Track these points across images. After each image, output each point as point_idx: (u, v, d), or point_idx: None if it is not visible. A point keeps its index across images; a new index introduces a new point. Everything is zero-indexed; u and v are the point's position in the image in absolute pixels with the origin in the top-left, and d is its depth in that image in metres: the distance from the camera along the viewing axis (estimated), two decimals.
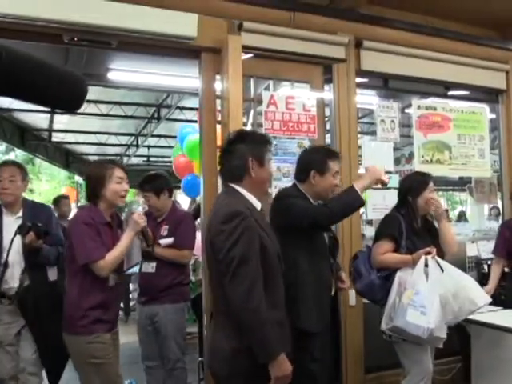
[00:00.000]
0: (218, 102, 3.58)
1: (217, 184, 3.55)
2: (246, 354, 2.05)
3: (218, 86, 3.57)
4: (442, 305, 2.85)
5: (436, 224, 3.28)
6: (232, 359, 2.11)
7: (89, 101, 8.34)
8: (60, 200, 6.14)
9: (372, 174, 2.73)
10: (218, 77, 3.57)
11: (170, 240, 3.51)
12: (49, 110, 8.87)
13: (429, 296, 2.84)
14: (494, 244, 4.02)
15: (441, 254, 3.12)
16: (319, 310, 2.66)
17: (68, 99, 1.23)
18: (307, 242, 2.69)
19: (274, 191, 3.67)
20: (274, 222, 2.68)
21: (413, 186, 3.23)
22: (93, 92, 7.62)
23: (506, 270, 4.00)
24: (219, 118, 3.58)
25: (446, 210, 15.46)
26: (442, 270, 2.94)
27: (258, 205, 2.28)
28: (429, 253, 2.96)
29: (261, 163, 2.26)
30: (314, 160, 2.83)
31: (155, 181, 3.68)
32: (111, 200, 2.77)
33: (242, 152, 2.24)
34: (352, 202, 2.66)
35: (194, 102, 5.58)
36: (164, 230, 3.59)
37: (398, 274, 2.97)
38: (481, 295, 3.00)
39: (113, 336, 2.77)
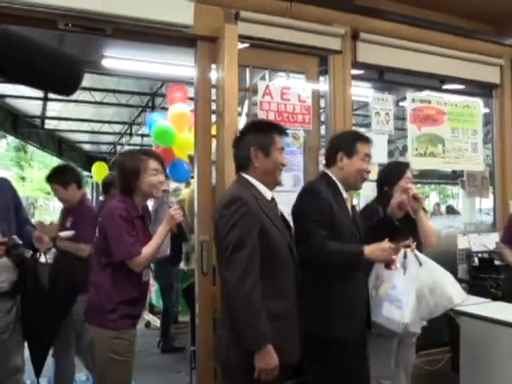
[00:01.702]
0: (214, 91, 3.57)
1: (211, 173, 3.56)
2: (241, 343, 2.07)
3: (214, 75, 3.56)
4: (417, 299, 2.82)
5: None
6: (228, 347, 2.13)
7: (83, 88, 8.28)
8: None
9: (379, 255, 2.54)
10: (213, 66, 3.56)
11: (69, 233, 3.35)
12: (43, 95, 8.82)
13: (405, 290, 2.80)
14: (503, 232, 4.05)
15: (420, 247, 3.12)
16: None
17: (64, 81, 1.22)
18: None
19: None
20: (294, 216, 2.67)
21: (388, 175, 3.21)
22: (87, 79, 7.55)
23: (498, 262, 4.04)
24: (214, 108, 3.57)
25: (438, 204, 15.55)
26: (420, 264, 2.92)
27: (267, 194, 2.29)
28: (408, 246, 2.90)
29: (266, 153, 2.27)
30: (341, 141, 2.77)
31: (63, 173, 3.67)
32: (147, 192, 2.73)
33: (246, 142, 2.29)
34: (350, 261, 2.55)
35: (189, 92, 5.56)
36: (68, 222, 3.58)
37: (376, 266, 2.88)
38: (458, 292, 3.00)
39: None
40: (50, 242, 2.85)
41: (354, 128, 4.34)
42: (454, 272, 4.46)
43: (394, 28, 4.22)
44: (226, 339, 2.15)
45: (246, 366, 2.07)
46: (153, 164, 2.72)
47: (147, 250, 2.62)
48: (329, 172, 2.75)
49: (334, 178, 2.71)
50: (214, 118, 3.60)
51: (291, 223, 2.52)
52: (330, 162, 2.75)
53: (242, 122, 3.78)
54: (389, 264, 2.68)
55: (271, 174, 2.31)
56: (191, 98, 6.55)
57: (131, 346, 2.65)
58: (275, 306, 2.12)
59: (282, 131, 2.39)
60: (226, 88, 3.37)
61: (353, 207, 2.81)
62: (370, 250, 2.46)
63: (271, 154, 2.28)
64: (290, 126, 3.74)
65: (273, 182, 2.35)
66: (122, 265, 2.58)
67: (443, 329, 4.29)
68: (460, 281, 3.79)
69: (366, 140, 2.75)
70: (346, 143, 2.72)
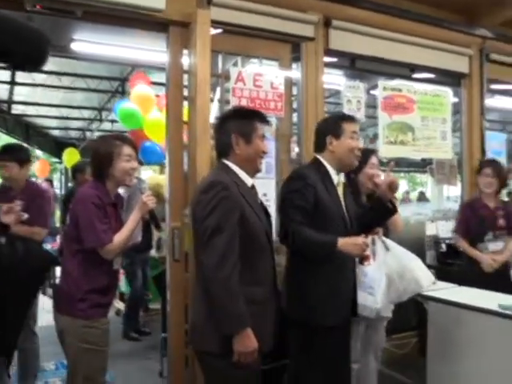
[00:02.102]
0: (186, 77, 3.53)
1: (183, 160, 3.53)
2: (217, 328, 2.07)
3: (186, 60, 3.52)
4: (388, 284, 2.87)
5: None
6: (205, 332, 2.12)
7: (51, 72, 8.12)
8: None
9: (351, 249, 2.49)
10: (185, 51, 3.51)
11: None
12: (10, 79, 8.60)
13: (376, 277, 2.85)
14: (456, 223, 4.13)
15: (387, 233, 3.16)
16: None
17: (29, 54, 1.18)
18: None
19: None
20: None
21: None
22: (55, 63, 7.39)
23: (461, 248, 4.13)
24: (186, 94, 3.54)
25: (407, 192, 15.83)
26: (388, 249, 2.97)
27: (248, 181, 2.28)
28: (375, 232, 2.95)
29: (247, 140, 2.25)
30: (327, 125, 2.77)
31: (20, 151, 3.58)
32: (119, 179, 2.68)
33: (227, 128, 2.28)
34: (321, 251, 2.51)
35: (160, 77, 5.48)
36: (18, 205, 3.43)
37: None
38: (426, 276, 3.07)
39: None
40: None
41: (325, 116, 4.35)
42: (422, 258, 4.52)
43: (367, 16, 4.24)
44: (202, 325, 2.14)
45: (223, 350, 2.07)
46: (127, 150, 2.68)
47: (119, 237, 2.59)
48: (320, 157, 2.75)
49: (325, 163, 2.70)
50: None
51: (271, 212, 2.54)
52: (320, 147, 2.75)
53: (213, 109, 3.76)
54: (363, 259, 2.70)
55: (252, 161, 2.30)
56: (155, 83, 6.55)
57: (104, 334, 2.62)
58: (253, 293, 2.12)
59: (263, 119, 2.37)
60: (199, 74, 3.34)
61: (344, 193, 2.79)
62: (342, 242, 2.45)
63: (252, 141, 2.27)
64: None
65: (253, 169, 2.34)
66: (93, 252, 2.54)
67: (411, 313, 4.39)
68: (428, 266, 3.85)
69: (350, 118, 2.77)
70: (332, 125, 2.72)
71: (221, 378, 2.17)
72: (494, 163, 4.11)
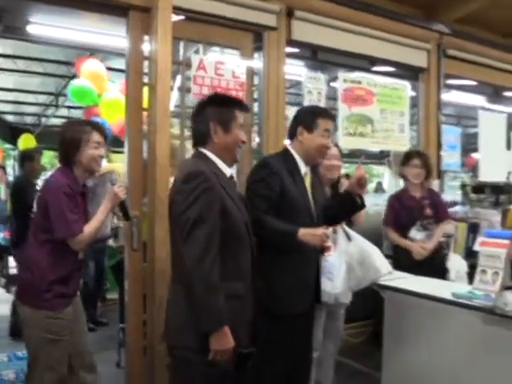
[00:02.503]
0: (146, 63, 3.47)
1: (142, 148, 3.48)
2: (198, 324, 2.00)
3: (146, 47, 3.46)
4: (347, 271, 2.93)
5: None
6: (182, 329, 2.05)
7: (5, 55, 7.85)
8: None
9: (310, 239, 2.50)
10: (146, 37, 3.45)
11: None
12: None
13: (336, 263, 2.91)
14: (384, 215, 4.20)
15: (349, 223, 3.21)
16: None
17: None
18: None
19: None
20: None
21: None
22: (10, 46, 7.16)
23: (392, 240, 4.23)
24: (146, 81, 3.48)
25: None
26: (350, 239, 3.03)
27: (227, 171, 2.22)
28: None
29: (226, 128, 2.18)
30: (303, 116, 2.74)
31: None
32: (86, 166, 2.61)
33: (206, 115, 2.19)
34: (283, 240, 2.52)
35: (119, 63, 5.37)
36: None
37: None
38: (384, 264, 3.14)
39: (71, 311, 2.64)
40: None
41: (287, 107, 4.37)
42: (379, 248, 4.65)
43: (330, 8, 4.26)
44: (182, 320, 2.07)
45: (202, 346, 2.00)
46: (95, 136, 2.62)
47: (89, 228, 2.54)
48: (289, 146, 2.74)
49: (294, 153, 2.70)
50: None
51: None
52: (291, 135, 2.74)
53: (174, 96, 3.72)
54: (323, 250, 2.72)
55: (230, 150, 2.23)
56: (115, 69, 6.44)
57: (68, 324, 2.57)
58: (234, 288, 2.07)
59: (243, 107, 2.30)
60: (159, 61, 3.29)
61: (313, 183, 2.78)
62: (303, 233, 2.45)
63: (231, 129, 2.19)
64: None
65: (231, 159, 2.27)
66: (62, 243, 2.49)
67: (368, 302, 4.47)
68: (385, 256, 3.94)
69: (327, 116, 2.74)
70: (307, 118, 2.71)
71: (196, 375, 2.10)
72: (421, 154, 4.17)
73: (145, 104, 3.48)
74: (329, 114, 2.78)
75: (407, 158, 4.12)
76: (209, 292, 1.95)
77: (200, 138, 2.22)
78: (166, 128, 3.36)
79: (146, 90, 3.47)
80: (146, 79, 3.48)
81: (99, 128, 2.70)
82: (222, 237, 2.04)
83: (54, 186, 2.55)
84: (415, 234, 3.98)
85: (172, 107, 3.62)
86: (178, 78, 3.76)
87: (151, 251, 3.36)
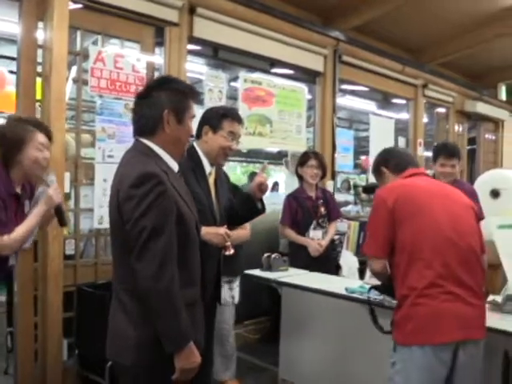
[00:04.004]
0: (40, 52, 3.29)
1: None
2: (154, 343, 1.77)
3: (41, 34, 3.28)
4: None
5: None
6: (137, 348, 1.81)
7: None
8: None
9: (211, 238, 2.51)
10: (40, 24, 3.27)
11: None
12: None
13: None
14: (282, 214, 4.31)
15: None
16: None
17: None
18: None
19: (98, 152, 3.54)
20: None
21: None
22: None
23: (289, 237, 4.38)
24: (40, 70, 3.30)
25: None
26: None
27: (174, 166, 1.97)
28: None
29: (180, 119, 1.92)
30: (209, 115, 2.72)
31: None
32: (28, 168, 2.40)
33: (159, 101, 1.89)
34: None
35: (10, 50, 5.01)
36: None
37: None
38: None
39: None
40: None
41: None
42: (276, 245, 4.77)
43: (233, 8, 4.30)
44: (133, 340, 1.81)
45: (157, 365, 1.82)
46: (40, 137, 2.44)
47: (18, 231, 2.34)
48: (195, 144, 2.72)
49: (199, 151, 2.69)
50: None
51: None
52: (198, 134, 2.72)
53: (68, 88, 3.56)
54: (224, 248, 2.73)
55: (181, 143, 1.99)
56: (4, 57, 6.02)
57: None
58: (187, 296, 1.86)
59: (198, 98, 2.15)
60: (54, 49, 3.16)
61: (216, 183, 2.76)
62: (204, 231, 2.42)
63: (185, 120, 1.95)
64: (122, 96, 3.63)
65: (179, 154, 2.01)
66: None
67: (265, 299, 4.57)
68: (281, 254, 4.04)
69: (234, 118, 2.72)
70: (213, 118, 2.70)
71: None
72: (317, 155, 4.33)
73: (38, 95, 3.29)
74: (236, 116, 2.76)
75: (304, 158, 4.25)
76: (170, 310, 1.75)
77: (148, 127, 1.91)
78: (60, 120, 3.23)
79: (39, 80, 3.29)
80: (39, 69, 3.29)
81: (45, 129, 2.53)
82: (178, 244, 1.84)
83: None
84: (313, 232, 4.12)
85: (67, 99, 3.47)
86: (74, 69, 3.60)
87: (43, 250, 3.20)
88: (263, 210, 2.81)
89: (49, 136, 2.53)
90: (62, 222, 2.57)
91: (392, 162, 2.47)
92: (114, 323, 1.89)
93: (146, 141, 1.92)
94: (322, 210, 4.17)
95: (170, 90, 1.93)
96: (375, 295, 2.66)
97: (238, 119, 2.75)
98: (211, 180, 2.73)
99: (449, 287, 2.05)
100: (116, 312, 1.89)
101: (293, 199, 4.26)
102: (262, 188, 2.70)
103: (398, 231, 2.14)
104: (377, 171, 2.52)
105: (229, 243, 2.66)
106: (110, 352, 1.90)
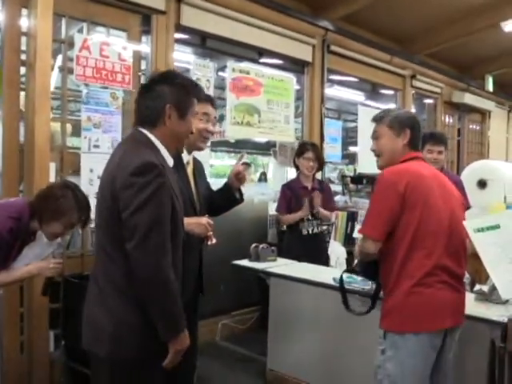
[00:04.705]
0: (24, 40, 3.23)
1: (19, 131, 3.25)
2: (135, 333, 1.80)
3: (24, 22, 3.21)
4: None
5: None
6: (116, 338, 1.80)
7: None
8: None
9: (194, 228, 2.47)
10: (24, 12, 3.20)
11: None
12: None
13: None
14: (277, 203, 4.33)
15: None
16: None
17: None
18: None
19: (84, 142, 3.50)
20: None
21: None
22: None
23: (284, 228, 4.39)
24: (24, 58, 3.24)
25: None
26: None
27: (170, 161, 1.97)
28: None
29: (181, 114, 1.93)
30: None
31: None
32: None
33: (161, 94, 1.90)
34: None
35: None
36: None
37: None
38: None
39: None
40: None
41: None
42: (264, 236, 4.78)
43: None
44: (113, 330, 1.80)
45: (137, 356, 1.83)
46: (75, 219, 2.50)
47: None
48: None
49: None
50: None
51: None
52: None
53: (54, 77, 3.51)
54: (206, 239, 2.71)
55: (179, 139, 2.01)
56: None
57: None
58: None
59: (202, 95, 2.10)
60: (39, 37, 3.11)
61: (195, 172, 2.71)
62: (186, 221, 2.35)
63: (187, 116, 1.95)
64: (108, 85, 3.58)
65: (175, 149, 2.04)
66: None
67: (253, 289, 4.57)
68: (270, 244, 4.04)
69: (206, 100, 2.60)
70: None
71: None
72: (314, 147, 4.32)
73: (22, 84, 3.24)
74: (208, 97, 2.66)
75: (301, 149, 4.25)
76: (171, 299, 1.79)
77: (149, 118, 1.92)
78: (45, 110, 3.18)
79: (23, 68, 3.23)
80: (23, 57, 3.24)
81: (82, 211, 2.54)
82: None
83: None
84: (307, 224, 4.11)
85: (52, 88, 3.42)
86: (59, 57, 3.55)
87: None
88: (241, 199, 2.81)
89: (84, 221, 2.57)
90: (44, 292, 2.56)
91: (416, 135, 2.35)
92: (92, 313, 1.89)
93: (146, 132, 1.92)
94: (318, 200, 4.17)
95: (173, 84, 1.93)
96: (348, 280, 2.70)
97: (209, 100, 2.66)
98: (189, 169, 2.67)
99: (443, 276, 2.11)
100: (95, 302, 1.89)
101: (287, 189, 4.27)
102: (239, 178, 2.70)
103: (403, 217, 2.13)
104: (399, 126, 2.33)
105: (211, 233, 2.65)
106: (86, 341, 1.91)
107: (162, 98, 1.90)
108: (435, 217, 2.15)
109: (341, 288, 2.51)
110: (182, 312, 1.83)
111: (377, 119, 2.47)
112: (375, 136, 2.43)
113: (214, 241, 2.70)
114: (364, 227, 2.24)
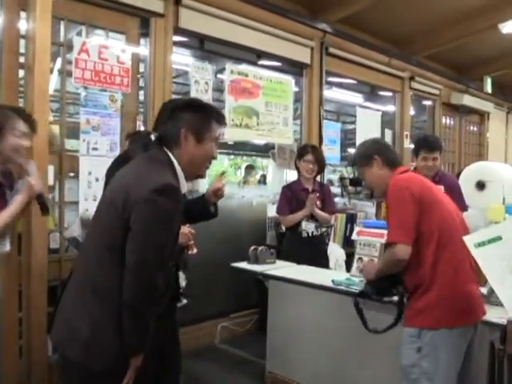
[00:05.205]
0: (23, 42, 3.23)
1: None
2: (112, 344, 1.77)
3: (23, 25, 3.22)
4: None
5: None
6: (92, 347, 1.77)
7: None
8: None
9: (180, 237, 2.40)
10: (23, 14, 3.20)
11: None
12: None
13: None
14: (278, 205, 4.32)
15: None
16: None
17: None
18: None
19: (82, 145, 3.50)
20: None
21: None
22: None
23: (283, 230, 4.39)
24: (23, 61, 3.24)
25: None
26: None
27: (184, 187, 1.96)
28: None
29: (198, 138, 1.92)
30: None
31: None
32: (6, 155, 2.38)
33: (179, 118, 1.92)
34: None
35: None
36: None
37: None
38: None
39: None
40: None
41: (173, 96, 4.30)
42: (263, 238, 4.77)
43: None
44: (89, 338, 1.77)
45: (110, 366, 1.80)
46: (21, 125, 2.42)
47: (1, 216, 2.32)
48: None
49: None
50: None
51: None
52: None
53: (53, 80, 3.51)
54: (187, 247, 2.70)
55: (196, 164, 1.98)
56: None
57: None
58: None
59: (222, 119, 2.07)
60: (38, 40, 3.10)
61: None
62: None
63: (205, 141, 1.94)
64: (107, 88, 3.59)
65: (193, 174, 2.03)
66: None
67: (252, 292, 4.57)
68: (268, 246, 4.04)
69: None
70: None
71: None
72: (315, 149, 4.32)
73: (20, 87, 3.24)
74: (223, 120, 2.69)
75: (302, 152, 4.25)
76: (150, 317, 1.81)
77: (168, 137, 1.93)
78: (44, 113, 3.17)
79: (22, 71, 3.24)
80: (22, 59, 3.24)
81: (26, 116, 2.50)
82: None
83: None
84: (306, 224, 4.11)
85: (51, 91, 3.42)
86: (58, 60, 3.55)
87: (27, 244, 3.16)
88: (215, 214, 2.77)
89: (31, 125, 2.50)
90: (44, 211, 2.54)
91: (387, 154, 2.48)
92: (69, 319, 1.84)
93: (169, 152, 1.92)
94: (318, 203, 4.17)
95: (193, 108, 1.95)
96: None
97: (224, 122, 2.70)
98: None
99: (469, 271, 2.26)
100: (73, 309, 1.85)
101: (288, 190, 4.27)
102: (217, 194, 2.70)
103: (424, 220, 2.23)
104: (367, 159, 2.48)
105: (192, 242, 2.64)
106: (58, 340, 1.90)
107: (178, 123, 1.91)
108: (450, 216, 2.30)
109: (358, 312, 2.48)
110: (152, 333, 1.83)
111: (352, 165, 2.65)
112: (361, 177, 2.61)
113: (195, 251, 2.70)
114: (392, 236, 2.27)
